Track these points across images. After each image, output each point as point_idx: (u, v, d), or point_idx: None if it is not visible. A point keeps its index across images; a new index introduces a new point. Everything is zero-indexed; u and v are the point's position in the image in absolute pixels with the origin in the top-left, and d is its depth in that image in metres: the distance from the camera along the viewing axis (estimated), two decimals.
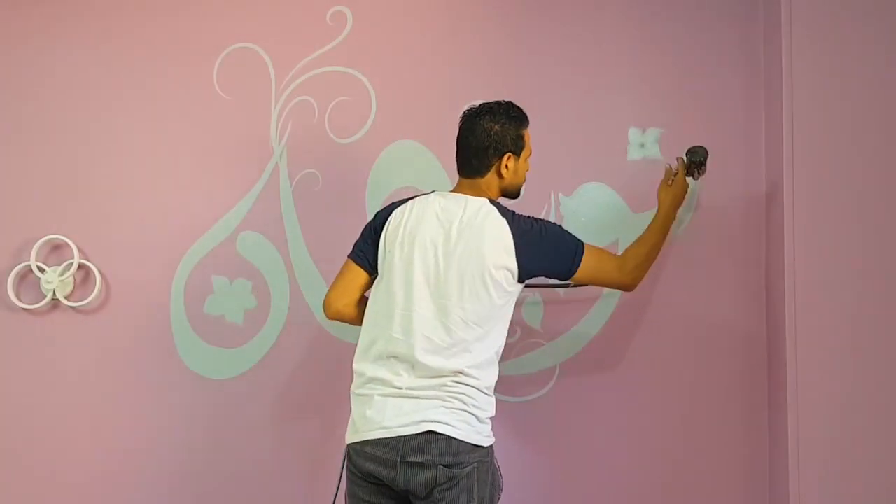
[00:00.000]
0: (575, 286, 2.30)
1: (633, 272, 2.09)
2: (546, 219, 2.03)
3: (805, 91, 2.23)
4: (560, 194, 2.44)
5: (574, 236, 2.01)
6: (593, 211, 2.42)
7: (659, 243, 2.16)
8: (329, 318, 2.05)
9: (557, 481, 2.42)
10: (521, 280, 1.94)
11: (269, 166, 2.51)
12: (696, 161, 2.24)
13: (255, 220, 2.50)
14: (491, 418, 1.92)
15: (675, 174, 2.24)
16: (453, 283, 1.87)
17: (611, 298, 2.41)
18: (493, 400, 1.94)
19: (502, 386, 2.41)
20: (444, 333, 1.87)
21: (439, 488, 1.82)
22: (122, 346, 2.51)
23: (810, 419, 2.20)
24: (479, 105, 2.00)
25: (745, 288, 2.39)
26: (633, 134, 2.43)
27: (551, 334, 2.42)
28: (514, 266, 1.90)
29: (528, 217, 1.99)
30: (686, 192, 2.25)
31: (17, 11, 2.57)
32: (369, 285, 2.03)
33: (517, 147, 1.99)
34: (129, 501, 2.49)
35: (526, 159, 2.04)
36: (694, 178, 2.29)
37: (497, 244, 1.89)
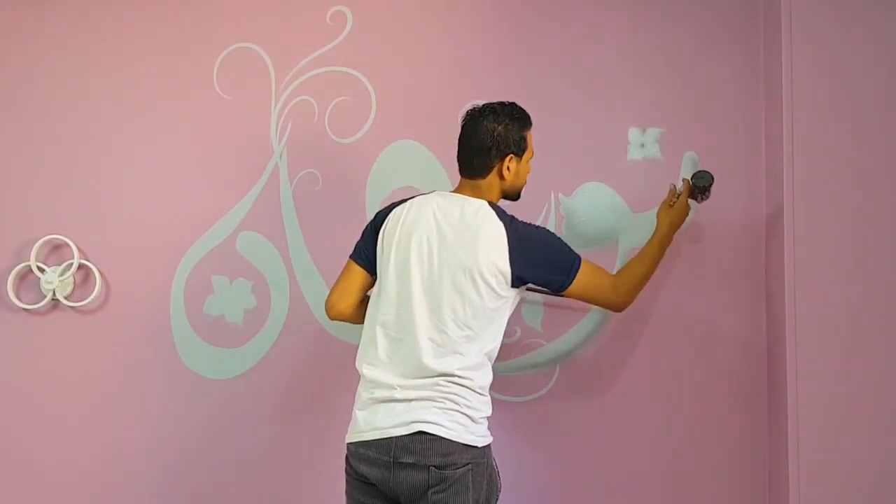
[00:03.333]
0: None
1: (626, 293, 2.06)
2: (547, 228, 2.02)
3: (805, 91, 2.23)
4: (560, 194, 2.44)
5: (571, 249, 2.00)
6: (593, 211, 2.42)
7: (655, 265, 2.14)
8: (331, 318, 2.06)
9: (557, 481, 2.42)
10: (514, 285, 1.92)
11: (269, 166, 2.51)
12: (700, 186, 2.22)
13: (255, 220, 2.50)
14: (487, 418, 1.91)
15: (678, 196, 2.22)
16: (445, 283, 1.87)
17: None
18: (487, 399, 1.92)
19: (502, 386, 2.42)
20: (436, 333, 1.86)
21: (432, 490, 1.80)
22: (122, 346, 2.51)
23: (810, 420, 2.20)
24: (483, 105, 1.99)
25: (745, 287, 2.39)
26: (633, 134, 2.43)
27: (551, 334, 2.42)
28: (507, 269, 1.88)
29: (529, 224, 1.98)
30: (686, 215, 2.22)
31: (17, 12, 2.57)
32: (370, 285, 2.03)
33: (519, 149, 1.98)
34: (129, 501, 2.49)
35: (528, 161, 2.03)
36: (698, 202, 2.27)
37: (491, 247, 1.87)
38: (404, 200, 2.00)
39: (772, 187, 2.34)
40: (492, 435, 1.93)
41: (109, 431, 2.50)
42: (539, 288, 2.14)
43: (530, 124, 2.02)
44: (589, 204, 2.43)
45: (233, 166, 2.51)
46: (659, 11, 2.44)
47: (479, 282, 1.86)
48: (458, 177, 2.46)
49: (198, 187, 2.52)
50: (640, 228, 2.40)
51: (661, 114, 2.42)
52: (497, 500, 1.92)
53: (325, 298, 2.05)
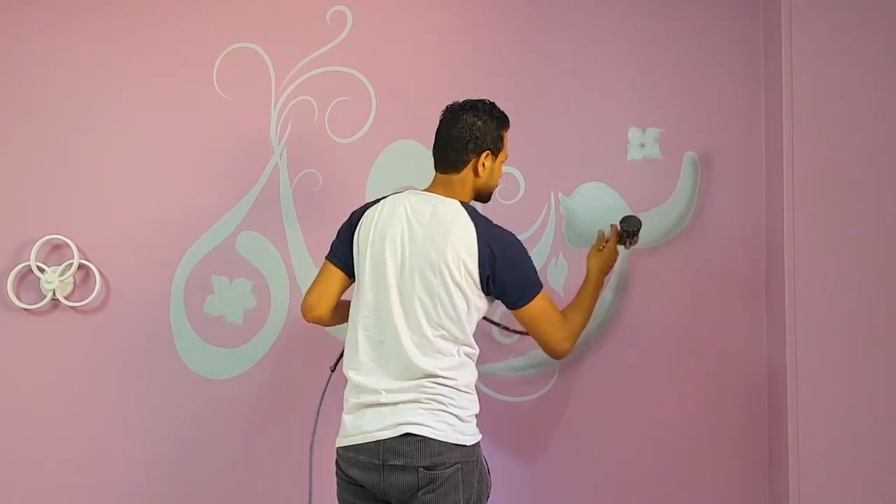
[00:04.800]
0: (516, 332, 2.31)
1: (569, 339, 1.98)
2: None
3: (805, 91, 2.23)
4: (560, 194, 2.44)
5: (537, 273, 1.95)
6: (593, 211, 2.42)
7: (591, 311, 2.09)
8: (308, 321, 2.03)
9: (557, 481, 2.42)
10: (484, 288, 1.88)
11: (269, 166, 2.51)
12: (629, 231, 2.19)
13: (255, 220, 2.50)
14: (476, 416, 1.91)
15: (607, 241, 2.19)
16: (416, 283, 1.85)
17: (610, 299, 2.41)
18: (474, 397, 1.91)
19: (502, 386, 2.42)
20: (414, 333, 1.85)
21: (422, 491, 1.80)
22: (122, 346, 2.51)
23: (811, 421, 2.20)
24: (463, 101, 1.98)
25: (744, 288, 2.39)
26: (633, 134, 2.43)
27: None
28: (475, 271, 1.85)
29: (503, 228, 1.94)
30: (615, 260, 2.19)
31: (17, 12, 2.57)
32: (347, 287, 2.02)
33: (496, 147, 1.96)
34: (128, 499, 2.49)
35: (502, 163, 2.01)
36: (626, 247, 2.25)
37: (461, 246, 1.85)
38: (378, 200, 1.99)
39: (772, 187, 2.34)
40: (481, 433, 1.92)
41: (109, 431, 2.50)
42: (497, 322, 2.16)
43: (508, 125, 2.00)
44: (589, 204, 2.43)
45: (233, 166, 2.51)
46: (659, 11, 2.44)
47: (449, 281, 1.84)
48: None
49: (198, 187, 2.52)
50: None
51: (661, 114, 2.42)
52: (488, 497, 1.92)
53: (303, 300, 2.02)
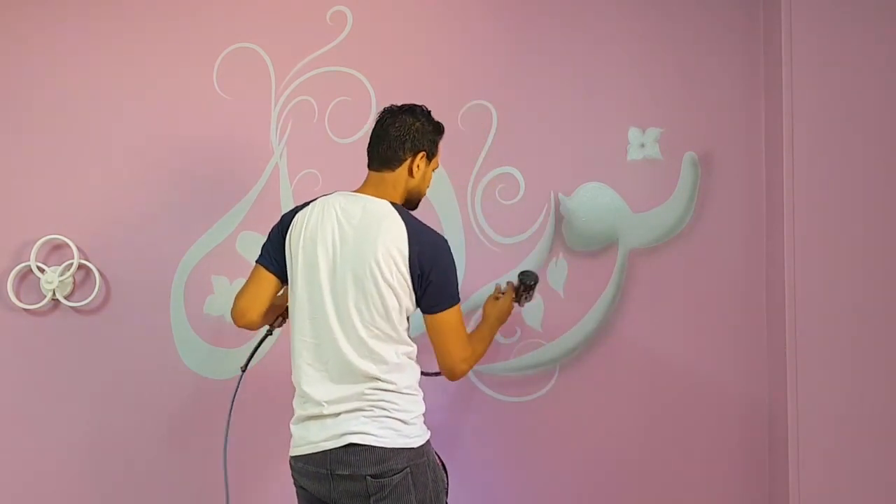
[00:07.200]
0: None
1: (468, 361, 1.91)
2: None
3: (805, 91, 2.23)
4: (560, 194, 2.44)
5: (458, 289, 1.91)
6: (593, 211, 2.42)
7: (485, 351, 2.02)
8: (239, 326, 1.98)
9: (556, 481, 2.42)
10: (415, 287, 1.84)
11: (269, 166, 2.51)
12: (526, 284, 2.13)
13: (255, 220, 2.50)
14: (422, 415, 1.88)
15: (503, 293, 2.13)
16: (349, 283, 1.83)
17: (611, 298, 2.41)
18: (417, 398, 1.88)
19: (502, 386, 2.42)
20: (346, 335, 1.84)
21: (374, 498, 1.79)
22: (122, 346, 2.51)
23: (811, 416, 2.20)
24: (401, 104, 1.97)
25: (744, 288, 2.39)
26: (633, 134, 2.43)
27: (551, 334, 2.42)
28: (405, 270, 1.83)
29: (436, 232, 1.91)
30: (509, 312, 2.12)
31: (17, 12, 2.57)
32: (278, 291, 1.99)
33: (431, 151, 1.95)
34: (128, 499, 2.49)
35: (433, 170, 1.99)
36: (520, 304, 2.17)
37: (392, 245, 1.82)
38: (307, 203, 1.96)
39: (772, 188, 2.34)
40: (429, 429, 1.88)
41: (109, 431, 2.50)
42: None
43: (443, 133, 1.99)
44: (589, 204, 2.43)
45: (233, 166, 2.51)
46: (659, 12, 2.44)
47: (380, 279, 1.82)
48: (456, 178, 2.46)
49: (198, 187, 2.52)
50: (640, 228, 2.41)
51: (661, 114, 2.42)
52: (447, 493, 1.91)
53: (234, 304, 1.95)
